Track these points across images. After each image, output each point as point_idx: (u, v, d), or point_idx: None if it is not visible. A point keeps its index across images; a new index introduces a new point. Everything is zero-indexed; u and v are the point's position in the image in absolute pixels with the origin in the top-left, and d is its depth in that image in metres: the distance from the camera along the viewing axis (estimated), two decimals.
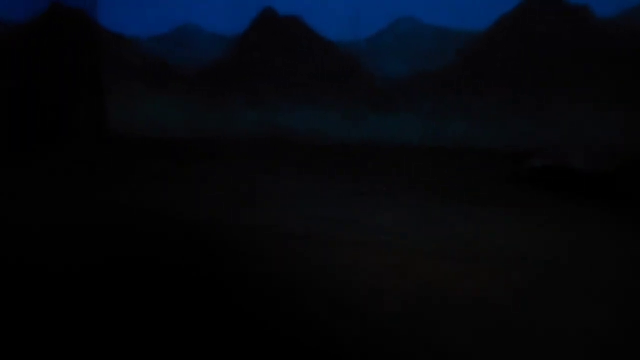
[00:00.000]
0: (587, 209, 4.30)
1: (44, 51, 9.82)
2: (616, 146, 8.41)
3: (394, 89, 9.99)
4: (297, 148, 9.87)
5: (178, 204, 5.07)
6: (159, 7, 10.67)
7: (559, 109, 9.18)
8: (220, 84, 10.75)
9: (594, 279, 2.76)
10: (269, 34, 10.47)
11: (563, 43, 9.25)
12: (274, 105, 10.55)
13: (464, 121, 9.71)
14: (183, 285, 2.83)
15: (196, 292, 2.72)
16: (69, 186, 6.23)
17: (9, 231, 3.83)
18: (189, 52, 10.76)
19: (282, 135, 10.42)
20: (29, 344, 2.23)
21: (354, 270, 2.98)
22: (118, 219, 4.34)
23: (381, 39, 10.07)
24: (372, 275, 2.94)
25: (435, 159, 8.55)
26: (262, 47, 10.50)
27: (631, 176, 4.52)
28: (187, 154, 9.51)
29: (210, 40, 10.68)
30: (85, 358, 2.08)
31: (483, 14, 9.52)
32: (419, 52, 9.90)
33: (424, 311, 2.39)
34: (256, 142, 10.44)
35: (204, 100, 10.91)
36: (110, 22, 10.89)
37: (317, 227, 4.09)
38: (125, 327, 2.27)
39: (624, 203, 4.47)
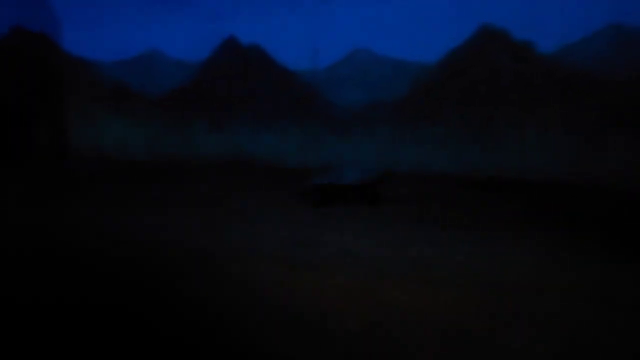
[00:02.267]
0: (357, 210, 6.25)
1: (4, 73, 9.91)
2: (552, 165, 8.95)
3: (350, 116, 10.40)
4: (258, 171, 10.12)
5: (117, 225, 5.23)
6: (123, 33, 10.92)
7: (504, 135, 9.73)
8: (183, 108, 11.00)
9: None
10: (231, 61, 10.81)
11: (507, 75, 9.85)
12: (235, 130, 10.83)
13: (417, 147, 10.17)
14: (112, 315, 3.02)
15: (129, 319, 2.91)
16: (13, 204, 6.33)
17: None
18: (151, 77, 11.00)
19: (244, 158, 10.69)
20: None
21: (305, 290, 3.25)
22: (46, 242, 4.48)
23: (338, 68, 10.51)
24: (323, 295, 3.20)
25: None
26: (224, 74, 10.82)
27: (381, 184, 6.99)
28: (145, 176, 9.65)
29: (173, 66, 10.96)
30: None
31: (434, 48, 10.08)
32: (375, 81, 10.37)
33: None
34: (218, 165, 10.66)
35: (165, 124, 11.12)
36: (74, 46, 11.08)
37: (271, 247, 4.33)
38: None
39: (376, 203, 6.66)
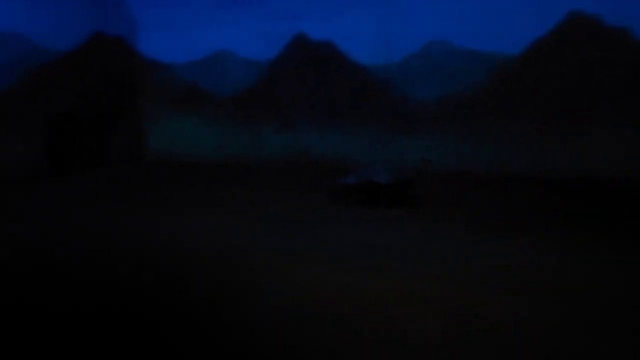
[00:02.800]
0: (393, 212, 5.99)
1: (86, 77, 10.24)
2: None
3: (423, 111, 9.96)
4: (325, 171, 9.90)
5: (186, 230, 5.16)
6: (195, 34, 11.00)
7: (591, 134, 8.95)
8: (251, 107, 10.95)
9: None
10: (301, 59, 10.62)
11: (599, 67, 9.05)
12: (303, 129, 10.66)
13: (491, 145, 9.58)
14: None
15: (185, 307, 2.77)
16: (94, 209, 6.44)
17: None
18: (222, 77, 11.03)
19: (312, 158, 10.50)
20: None
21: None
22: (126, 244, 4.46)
23: (412, 61, 10.07)
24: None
25: (456, 182, 8.43)
26: (293, 72, 10.66)
27: (414, 184, 6.79)
28: (215, 177, 9.68)
29: (243, 65, 10.92)
30: None
31: (516, 38, 9.42)
32: (450, 74, 9.85)
33: None
34: (284, 165, 10.55)
35: (235, 124, 11.12)
36: (149, 49, 11.30)
37: (334, 251, 4.11)
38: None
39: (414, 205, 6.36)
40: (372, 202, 6.48)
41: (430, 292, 3.26)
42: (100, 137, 10.95)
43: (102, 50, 10.43)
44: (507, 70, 9.49)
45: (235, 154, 11.01)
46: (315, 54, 10.51)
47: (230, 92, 11.06)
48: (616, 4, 9.05)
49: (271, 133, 10.80)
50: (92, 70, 10.22)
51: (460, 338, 2.61)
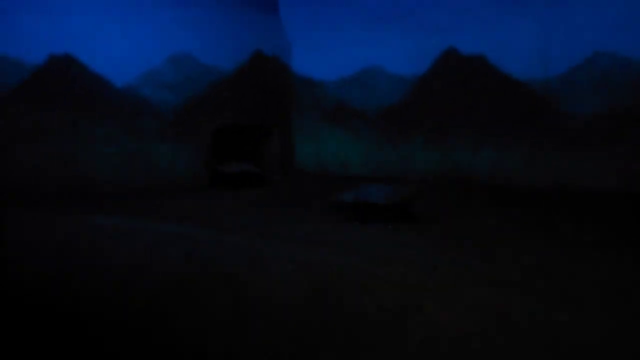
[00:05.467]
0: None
1: (248, 93, 11.00)
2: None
3: (587, 128, 9.22)
4: (478, 189, 9.55)
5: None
6: (344, 52, 11.33)
7: None
8: (399, 123, 10.96)
9: None
10: (450, 73, 10.44)
11: None
12: (453, 145, 10.42)
13: None
14: None
15: None
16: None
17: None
18: (370, 93, 11.20)
19: (463, 175, 10.20)
20: None
21: None
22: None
23: (574, 75, 9.41)
24: None
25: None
26: (443, 87, 10.50)
27: (413, 203, 6.55)
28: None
29: (392, 81, 11.00)
30: None
31: None
32: (618, 88, 9.03)
33: None
34: (435, 182, 10.36)
35: (381, 139, 11.20)
36: (302, 67, 11.86)
37: None
38: None
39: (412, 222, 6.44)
40: (369, 220, 6.46)
41: None
42: (257, 149, 11.68)
43: (261, 69, 11.16)
44: None
45: (382, 169, 11.08)
46: (466, 68, 10.27)
47: (378, 107, 11.19)
48: None
49: (419, 149, 10.71)
50: (253, 86, 10.97)
51: None
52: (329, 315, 3.12)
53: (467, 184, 10.08)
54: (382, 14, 10.90)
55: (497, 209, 7.70)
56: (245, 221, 6.69)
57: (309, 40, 11.61)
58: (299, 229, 6.09)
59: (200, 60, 10.26)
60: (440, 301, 3.11)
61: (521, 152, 9.75)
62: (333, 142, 11.66)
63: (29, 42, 8.55)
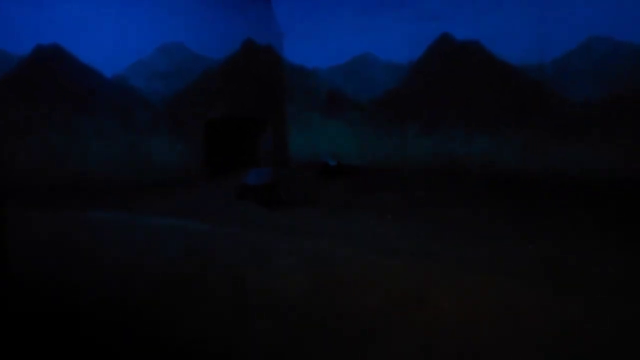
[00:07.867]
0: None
1: (240, 83, 10.82)
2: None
3: (582, 116, 9.18)
4: (472, 178, 9.49)
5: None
6: (337, 39, 11.17)
7: None
8: (394, 110, 10.86)
9: None
10: (445, 60, 10.34)
11: None
12: (447, 133, 10.34)
13: None
14: None
15: None
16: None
17: None
18: (363, 81, 11.07)
19: (457, 164, 10.14)
20: None
21: None
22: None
23: (570, 60, 9.34)
24: None
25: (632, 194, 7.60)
26: (437, 74, 10.40)
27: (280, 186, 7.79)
28: (361, 180, 9.72)
29: (385, 68, 10.88)
30: None
31: None
32: (614, 73, 8.98)
33: None
34: (429, 171, 10.29)
35: (376, 128, 11.10)
36: (294, 55, 11.68)
37: None
38: None
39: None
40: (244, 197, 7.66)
41: None
42: (250, 140, 11.53)
43: (253, 58, 10.98)
44: None
45: (378, 158, 10.98)
46: (461, 54, 10.17)
47: (373, 95, 11.07)
48: None
49: (414, 136, 10.63)
50: (245, 76, 10.79)
51: None
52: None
53: (463, 172, 10.02)
54: (375, 0, 10.74)
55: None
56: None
57: (301, 28, 11.42)
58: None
59: (191, 49, 10.05)
60: None
61: (517, 140, 9.69)
62: (328, 131, 11.53)
63: (15, 32, 8.33)
